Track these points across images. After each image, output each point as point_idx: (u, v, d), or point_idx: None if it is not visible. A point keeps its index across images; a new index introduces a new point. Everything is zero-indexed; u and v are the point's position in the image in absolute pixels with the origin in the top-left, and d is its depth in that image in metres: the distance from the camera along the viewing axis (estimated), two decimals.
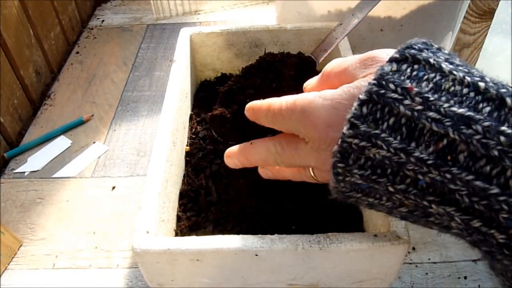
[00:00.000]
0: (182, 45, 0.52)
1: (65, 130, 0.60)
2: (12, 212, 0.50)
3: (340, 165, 0.23)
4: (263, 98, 0.37)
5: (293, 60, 0.41)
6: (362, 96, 0.22)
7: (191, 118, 0.51)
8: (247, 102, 0.35)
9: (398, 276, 0.42)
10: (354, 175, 0.22)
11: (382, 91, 0.21)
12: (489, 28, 0.65)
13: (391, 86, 0.21)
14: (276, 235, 0.31)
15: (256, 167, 0.44)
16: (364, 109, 0.21)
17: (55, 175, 0.54)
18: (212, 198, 0.42)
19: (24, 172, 0.55)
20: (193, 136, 0.49)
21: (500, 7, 0.61)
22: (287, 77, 0.41)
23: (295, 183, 0.43)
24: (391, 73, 0.22)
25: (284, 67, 0.41)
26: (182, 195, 0.43)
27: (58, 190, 0.53)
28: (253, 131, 0.37)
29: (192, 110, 0.53)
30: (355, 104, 0.22)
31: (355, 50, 0.52)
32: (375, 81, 0.22)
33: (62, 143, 0.59)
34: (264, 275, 0.33)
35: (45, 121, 0.63)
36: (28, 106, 0.65)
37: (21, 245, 0.47)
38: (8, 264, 0.45)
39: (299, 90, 0.42)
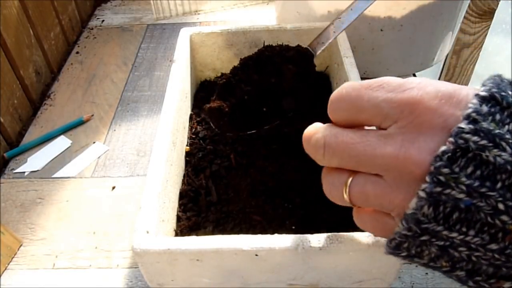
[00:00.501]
0: (182, 45, 0.52)
1: (65, 130, 0.61)
2: (12, 212, 0.50)
3: (445, 170, 0.19)
4: (261, 94, 0.38)
5: (292, 54, 0.41)
6: (482, 93, 0.19)
7: (191, 118, 0.51)
8: (244, 97, 0.35)
9: (398, 276, 0.42)
10: (459, 184, 0.18)
11: (503, 94, 0.19)
12: (489, 28, 0.65)
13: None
14: (276, 235, 0.31)
15: (255, 167, 0.44)
16: (485, 108, 0.19)
17: (55, 175, 0.54)
18: (212, 198, 0.42)
19: (24, 172, 0.55)
20: (193, 136, 0.49)
21: (500, 7, 0.62)
22: (285, 71, 0.41)
23: (295, 183, 0.43)
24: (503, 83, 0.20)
25: (282, 61, 0.41)
26: (182, 195, 0.43)
27: (58, 190, 0.53)
28: (250, 124, 0.37)
29: (192, 110, 0.53)
30: (474, 99, 0.19)
31: (355, 50, 0.52)
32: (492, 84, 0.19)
33: (62, 143, 0.59)
34: (264, 275, 0.33)
35: (45, 121, 0.63)
36: (28, 106, 0.65)
37: (21, 245, 0.47)
38: (8, 264, 0.45)
39: (297, 85, 0.42)
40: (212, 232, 0.39)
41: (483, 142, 0.18)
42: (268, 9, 0.84)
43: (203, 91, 0.56)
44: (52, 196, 0.52)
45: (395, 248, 0.22)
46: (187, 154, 0.47)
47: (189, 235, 0.39)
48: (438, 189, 0.19)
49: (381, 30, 0.59)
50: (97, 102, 0.66)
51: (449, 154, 0.19)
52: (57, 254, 0.46)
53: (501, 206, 0.18)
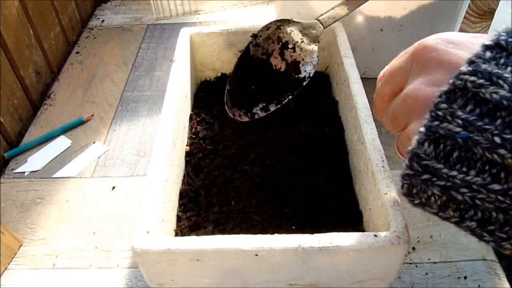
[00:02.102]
0: (182, 45, 0.52)
1: (65, 130, 0.61)
2: (12, 212, 0.50)
3: (443, 105, 0.20)
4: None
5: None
6: (487, 42, 0.20)
7: (191, 118, 0.51)
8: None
9: (398, 276, 0.42)
10: (456, 119, 0.19)
11: (510, 40, 0.20)
12: (489, 28, 0.65)
13: None
14: (276, 235, 0.31)
15: (255, 163, 0.44)
16: (488, 53, 0.20)
17: (55, 175, 0.54)
18: (212, 198, 0.42)
19: (24, 172, 0.55)
20: (193, 136, 0.49)
21: (500, 7, 0.62)
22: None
23: (295, 184, 0.43)
24: None
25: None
26: (182, 195, 0.43)
27: (58, 190, 0.53)
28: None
29: (192, 110, 0.53)
30: (479, 48, 0.20)
31: (355, 50, 0.52)
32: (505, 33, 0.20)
33: (62, 143, 0.59)
34: (264, 275, 0.33)
35: (45, 121, 0.63)
36: (28, 106, 0.65)
37: (21, 245, 0.47)
38: (8, 264, 0.45)
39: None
40: (212, 232, 0.39)
41: (480, 81, 0.19)
42: (268, 9, 0.84)
43: (203, 91, 0.56)
44: (52, 196, 0.52)
45: (407, 194, 0.23)
46: (187, 154, 0.47)
47: (189, 235, 0.39)
48: (436, 122, 0.20)
49: (381, 30, 0.59)
50: (97, 102, 0.66)
51: (448, 93, 0.20)
52: (57, 254, 0.46)
53: (497, 139, 0.18)
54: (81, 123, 0.62)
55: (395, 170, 0.52)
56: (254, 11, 0.84)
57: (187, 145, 0.48)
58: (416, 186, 0.22)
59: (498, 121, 0.18)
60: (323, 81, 0.56)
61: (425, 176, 0.21)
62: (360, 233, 0.31)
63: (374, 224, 0.36)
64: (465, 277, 0.42)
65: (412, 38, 0.59)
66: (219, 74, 0.58)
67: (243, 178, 0.43)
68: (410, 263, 0.43)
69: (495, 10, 0.61)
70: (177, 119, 0.45)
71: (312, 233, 0.31)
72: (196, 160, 0.46)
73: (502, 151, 0.18)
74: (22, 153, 0.58)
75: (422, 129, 0.21)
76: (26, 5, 0.65)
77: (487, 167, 0.19)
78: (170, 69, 0.48)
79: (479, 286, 0.41)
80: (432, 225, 0.46)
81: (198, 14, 0.84)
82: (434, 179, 0.20)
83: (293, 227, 0.39)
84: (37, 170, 0.55)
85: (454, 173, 0.20)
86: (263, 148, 0.46)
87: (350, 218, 0.40)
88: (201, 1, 0.84)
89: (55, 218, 0.50)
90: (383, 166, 0.36)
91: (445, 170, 0.20)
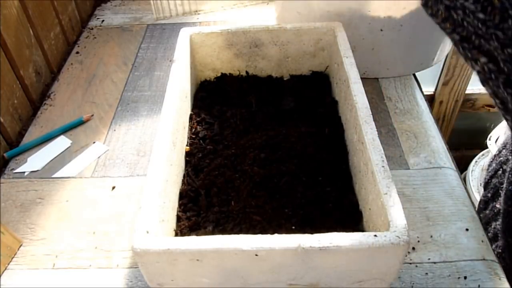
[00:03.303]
0: (182, 45, 0.52)
1: (65, 130, 0.60)
2: (12, 212, 0.50)
3: None
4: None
5: None
6: None
7: (191, 118, 0.51)
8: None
9: (398, 276, 0.42)
10: None
11: None
12: None
13: None
14: (276, 235, 0.31)
15: (255, 163, 0.44)
16: None
17: (55, 175, 0.54)
18: (212, 198, 0.42)
19: (24, 172, 0.55)
20: (193, 136, 0.49)
21: None
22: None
23: (295, 184, 0.43)
24: None
25: None
26: (182, 195, 0.43)
27: (58, 190, 0.53)
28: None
29: (192, 110, 0.53)
30: None
31: (355, 50, 0.52)
32: None
33: (62, 143, 0.59)
34: (264, 275, 0.33)
35: (45, 121, 0.63)
36: (28, 106, 0.65)
37: (21, 245, 0.47)
38: (8, 264, 0.45)
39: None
40: (212, 232, 0.39)
41: None
42: (268, 9, 0.84)
43: (203, 91, 0.56)
44: (52, 196, 0.52)
45: (424, 4, 0.29)
46: (187, 154, 0.47)
47: (189, 235, 0.39)
48: None
49: (381, 30, 0.59)
50: (97, 102, 0.66)
51: None
52: (57, 254, 0.46)
53: None
54: (81, 123, 0.62)
55: (395, 170, 0.53)
56: (254, 11, 0.84)
57: (187, 145, 0.48)
58: (431, 0, 0.28)
59: None
60: (323, 81, 0.56)
61: None
62: (360, 233, 0.31)
63: (374, 224, 0.36)
64: (465, 277, 0.42)
65: (412, 38, 0.60)
66: (219, 74, 0.58)
67: (243, 178, 0.43)
68: (410, 263, 0.43)
69: None
70: (177, 119, 0.45)
71: (312, 233, 0.31)
72: (196, 160, 0.46)
73: None
74: (22, 153, 0.58)
75: None
76: (26, 5, 0.65)
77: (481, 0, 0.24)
78: (170, 69, 0.48)
79: (479, 286, 0.41)
80: (432, 225, 0.46)
81: (198, 14, 0.84)
82: None
83: (293, 227, 0.39)
84: (37, 170, 0.55)
85: None
86: (263, 148, 0.46)
87: (350, 218, 0.40)
88: (201, 1, 0.84)
89: (55, 218, 0.50)
90: (383, 166, 0.36)
91: None
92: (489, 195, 0.57)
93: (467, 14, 0.25)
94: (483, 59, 0.25)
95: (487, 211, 0.57)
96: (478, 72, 0.26)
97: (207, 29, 0.54)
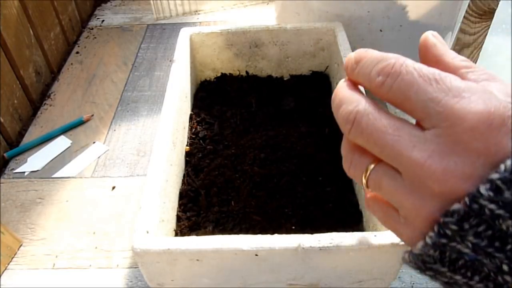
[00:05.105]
0: (182, 45, 0.52)
1: (65, 130, 0.61)
2: (12, 212, 0.50)
3: (453, 227, 0.18)
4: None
5: None
6: None
7: (191, 118, 0.51)
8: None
9: (398, 276, 0.42)
10: (465, 241, 0.18)
11: None
12: (489, 28, 0.65)
13: None
14: (276, 235, 0.31)
15: (255, 163, 0.44)
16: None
17: (55, 175, 0.54)
18: (212, 198, 0.42)
19: (24, 172, 0.55)
20: (193, 136, 0.49)
21: (500, 7, 0.61)
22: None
23: (295, 184, 0.43)
24: None
25: None
26: (182, 195, 0.43)
27: (58, 190, 0.53)
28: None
29: (192, 110, 0.53)
30: (509, 160, 0.17)
31: (354, 50, 0.52)
32: None
33: (62, 143, 0.59)
34: (264, 275, 0.33)
35: (45, 121, 0.63)
36: (28, 106, 0.65)
37: (21, 245, 0.47)
38: (8, 264, 0.45)
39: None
40: (212, 232, 0.39)
41: (500, 212, 0.17)
42: (268, 9, 0.85)
43: (203, 91, 0.56)
44: (52, 196, 0.52)
45: (412, 267, 0.22)
46: (187, 154, 0.47)
47: (189, 235, 0.39)
48: (444, 240, 0.19)
49: (381, 31, 0.59)
50: (97, 102, 0.66)
51: (461, 214, 0.18)
52: (57, 254, 0.46)
53: (505, 267, 0.17)
54: (81, 123, 0.62)
55: None
56: (254, 11, 0.84)
57: (187, 145, 0.48)
58: (420, 268, 0.21)
59: (509, 246, 0.17)
60: (323, 81, 0.56)
61: (429, 273, 0.21)
62: (360, 233, 0.31)
63: (374, 224, 0.36)
64: None
65: (412, 38, 0.59)
66: (219, 74, 0.58)
67: (243, 178, 0.43)
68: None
69: (495, 10, 0.61)
70: (177, 119, 0.45)
71: (312, 233, 0.31)
72: (196, 160, 0.46)
73: (508, 278, 0.18)
74: (22, 153, 0.58)
75: (429, 240, 0.19)
76: (26, 5, 0.65)
77: (491, 278, 0.19)
78: (170, 69, 0.48)
79: None
80: None
81: (198, 14, 0.84)
82: (438, 276, 0.20)
83: (293, 227, 0.39)
84: (37, 170, 0.55)
85: (458, 277, 0.19)
86: (263, 148, 0.46)
87: (350, 218, 0.40)
88: (201, 1, 0.84)
89: (55, 218, 0.50)
90: None
91: (449, 274, 0.20)
92: None
93: None
94: None
95: None
96: None
97: (207, 29, 0.54)
